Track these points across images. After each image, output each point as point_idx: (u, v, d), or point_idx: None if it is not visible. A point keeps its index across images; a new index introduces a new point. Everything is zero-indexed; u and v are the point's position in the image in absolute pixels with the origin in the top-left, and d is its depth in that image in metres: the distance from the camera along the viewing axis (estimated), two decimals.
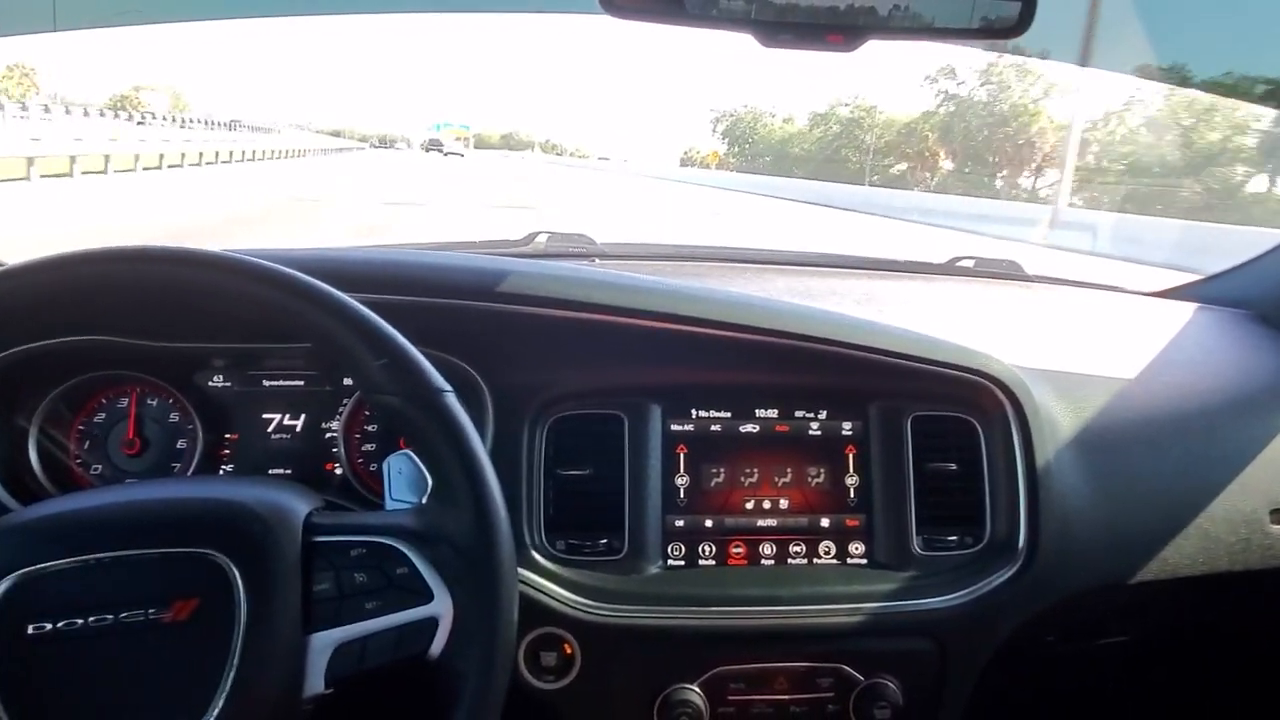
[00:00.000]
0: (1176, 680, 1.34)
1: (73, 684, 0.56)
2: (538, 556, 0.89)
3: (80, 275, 0.63)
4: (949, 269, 1.65)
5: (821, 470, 0.97)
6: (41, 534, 0.60)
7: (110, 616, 0.57)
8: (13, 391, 0.89)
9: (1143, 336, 1.23)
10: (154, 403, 0.95)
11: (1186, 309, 1.36)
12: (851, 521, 0.96)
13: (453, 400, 0.65)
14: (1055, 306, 1.42)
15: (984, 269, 1.62)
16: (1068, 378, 1.05)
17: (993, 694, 1.00)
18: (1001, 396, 0.96)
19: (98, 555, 0.58)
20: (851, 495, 0.97)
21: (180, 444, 0.95)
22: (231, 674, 0.57)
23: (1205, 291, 1.46)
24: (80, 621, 0.57)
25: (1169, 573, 1.00)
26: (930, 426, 0.98)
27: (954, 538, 0.96)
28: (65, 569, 0.58)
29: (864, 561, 0.96)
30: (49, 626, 0.56)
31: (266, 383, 0.97)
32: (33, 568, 0.57)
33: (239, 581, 0.59)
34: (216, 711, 0.56)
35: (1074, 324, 1.28)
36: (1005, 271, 1.61)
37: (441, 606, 0.62)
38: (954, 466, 0.97)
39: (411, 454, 0.70)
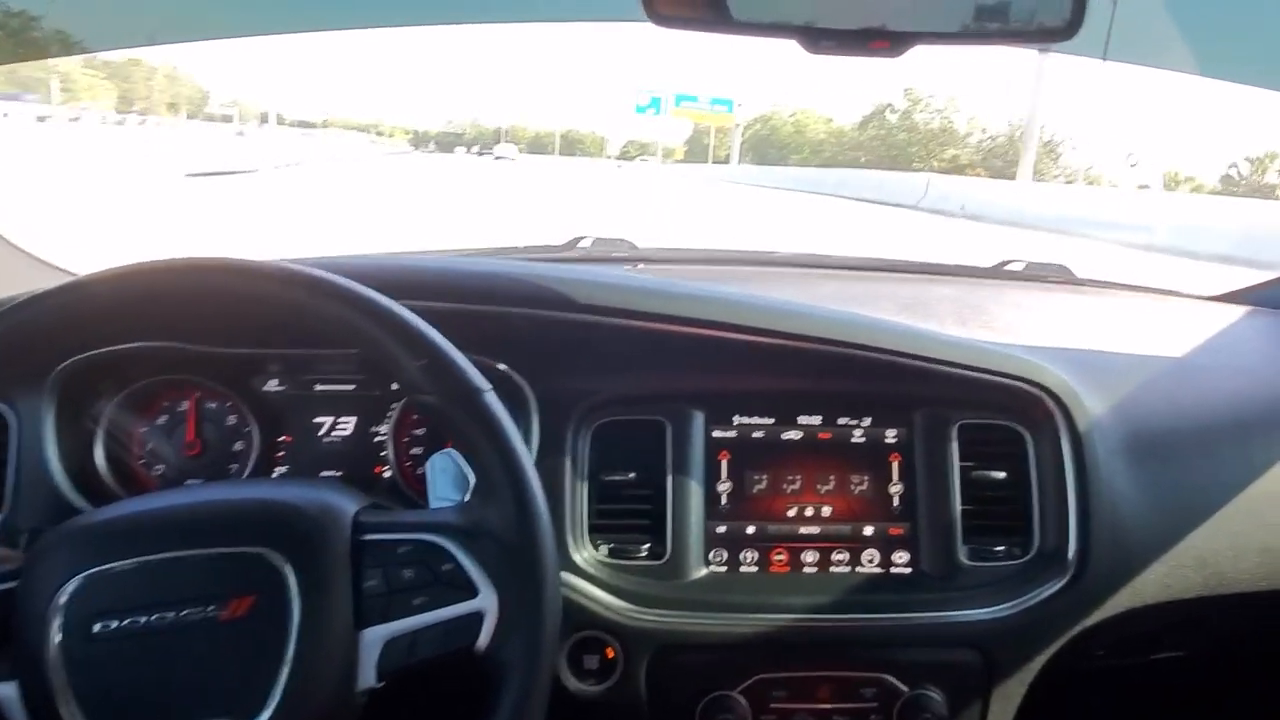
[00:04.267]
0: (1233, 699, 1.30)
1: (136, 678, 0.59)
2: (581, 560, 0.90)
3: (142, 285, 0.66)
4: (997, 273, 1.62)
5: (865, 478, 0.96)
6: (106, 536, 0.63)
7: (171, 614, 0.59)
8: (81, 395, 0.92)
9: (1200, 342, 1.19)
10: (213, 406, 0.98)
11: (1246, 313, 1.32)
12: (895, 530, 0.95)
13: (492, 398, 0.66)
14: (1107, 311, 1.39)
15: (1033, 272, 1.59)
16: (1120, 385, 1.03)
17: (1041, 708, 0.98)
18: (1051, 405, 0.94)
19: (158, 555, 0.61)
20: (896, 503, 0.96)
21: (237, 446, 0.98)
22: (287, 668, 0.59)
23: (1267, 295, 1.41)
24: (143, 619, 0.59)
25: (1227, 588, 0.97)
26: (977, 434, 0.96)
27: (1001, 548, 0.95)
28: (128, 569, 0.60)
29: (908, 570, 0.95)
30: (114, 624, 0.59)
31: (319, 387, 0.99)
32: (98, 568, 0.60)
33: (292, 579, 0.60)
34: (274, 705, 0.58)
35: (1127, 329, 1.25)
36: (1055, 275, 1.58)
37: (487, 601, 0.63)
38: (1001, 475, 0.95)
39: (453, 453, 0.72)
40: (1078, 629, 0.93)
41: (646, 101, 56.61)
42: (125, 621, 0.59)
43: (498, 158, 60.47)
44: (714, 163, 64.03)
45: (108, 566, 0.60)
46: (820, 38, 0.75)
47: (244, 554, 0.61)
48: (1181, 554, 0.95)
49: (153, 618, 0.59)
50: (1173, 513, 0.96)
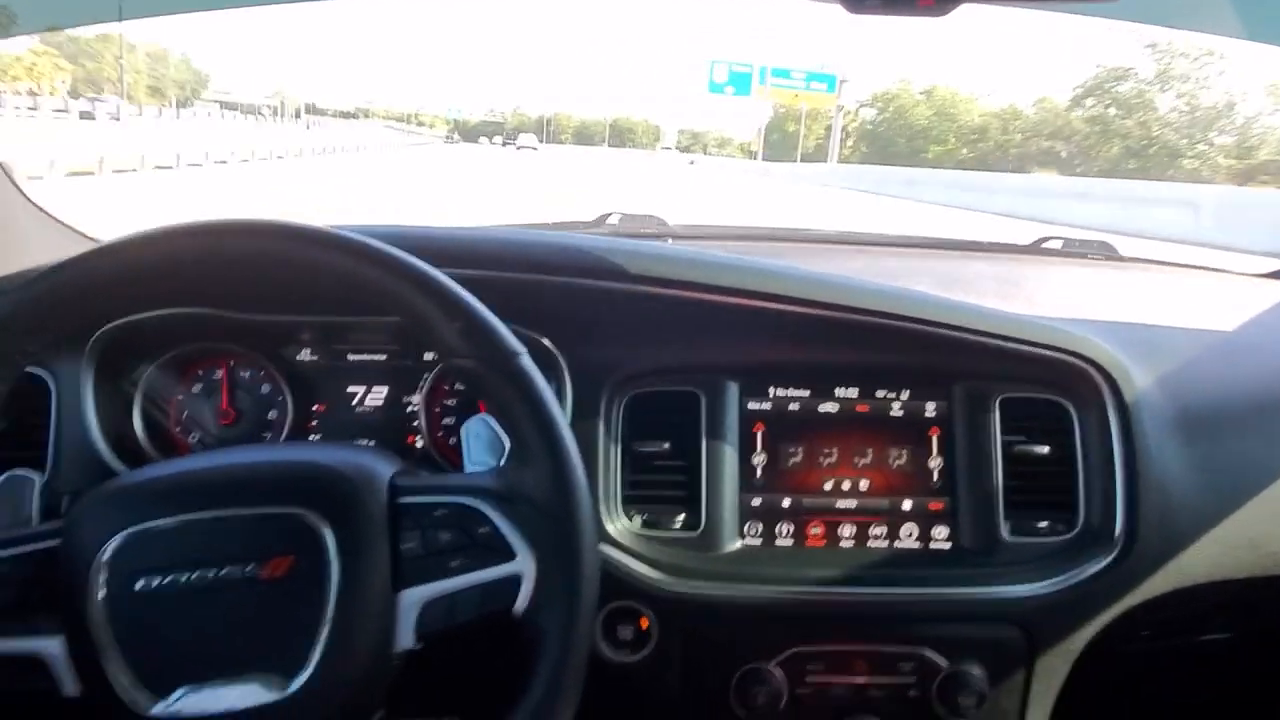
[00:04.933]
0: None
1: (178, 635, 0.59)
2: (615, 531, 0.90)
3: (176, 248, 0.65)
4: (1035, 249, 1.59)
5: (903, 452, 0.95)
6: (147, 495, 0.63)
7: (211, 572, 0.59)
8: (119, 361, 0.93)
9: (1251, 319, 1.16)
10: (246, 374, 0.99)
11: None
12: (935, 505, 0.94)
13: (528, 362, 0.66)
14: (1153, 288, 1.36)
15: (1072, 249, 1.56)
16: (1169, 361, 1.00)
17: (1085, 687, 0.97)
18: (1099, 379, 0.92)
19: (198, 514, 0.61)
20: (935, 478, 0.94)
21: (271, 414, 0.99)
22: (326, 628, 0.59)
23: None
24: (184, 577, 0.59)
25: (1279, 569, 0.94)
26: (1019, 409, 0.94)
27: (1045, 524, 0.93)
28: (169, 527, 0.60)
29: (948, 546, 0.93)
30: (156, 581, 0.59)
31: (351, 356, 0.99)
32: (139, 526, 0.60)
33: (330, 540, 0.60)
34: (313, 664, 0.58)
35: (1174, 306, 1.22)
36: (1096, 253, 1.54)
37: (524, 564, 0.63)
38: (1045, 450, 0.93)
39: (488, 418, 0.72)
40: (1123, 608, 0.91)
41: (725, 77, 40.97)
42: (167, 579, 0.59)
43: (519, 148, 58.66)
44: (802, 159, 51.07)
45: (150, 524, 0.60)
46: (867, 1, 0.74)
47: (283, 514, 0.61)
48: (1233, 534, 0.93)
49: (194, 575, 0.59)
50: (1224, 491, 0.93)
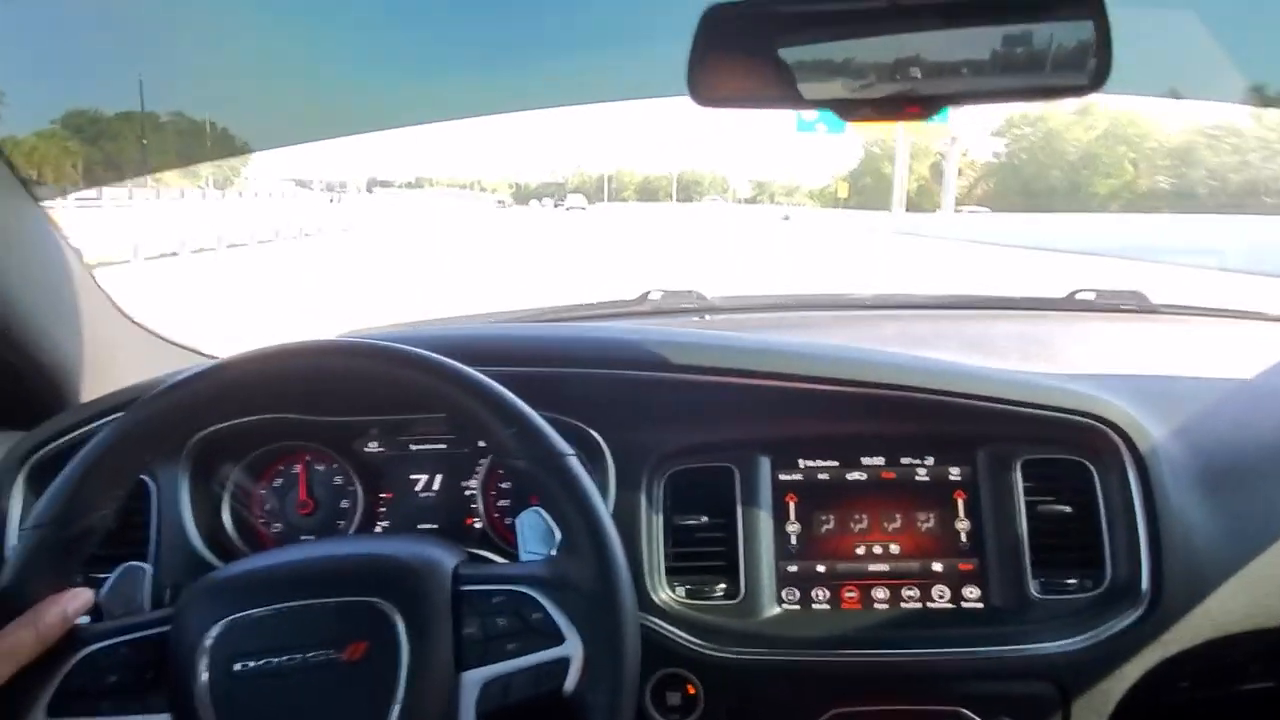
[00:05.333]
0: None
1: (270, 712, 0.66)
2: (660, 601, 0.95)
3: (270, 367, 0.76)
4: (1068, 304, 1.62)
5: (931, 515, 0.99)
6: (244, 587, 0.72)
7: (300, 656, 0.67)
8: (210, 462, 1.04)
9: (1276, 365, 1.18)
10: (321, 468, 1.09)
11: None
12: (965, 566, 0.98)
13: (575, 462, 0.73)
14: (1179, 337, 1.38)
15: (1105, 302, 1.58)
16: (1188, 412, 1.03)
17: None
18: (1115, 438, 0.95)
19: (287, 604, 0.69)
20: (963, 539, 0.98)
21: (344, 504, 1.08)
22: (397, 707, 0.65)
23: None
24: (276, 660, 0.67)
25: None
26: (1042, 469, 0.98)
27: (1073, 581, 0.95)
28: (265, 615, 0.69)
29: (979, 605, 0.97)
30: (252, 664, 0.67)
31: (413, 447, 1.09)
32: (237, 614, 0.68)
33: (401, 625, 0.67)
34: None
35: (1198, 355, 1.24)
36: (1129, 304, 1.57)
37: (573, 647, 0.69)
38: (1068, 509, 0.96)
39: (540, 510, 0.79)
40: (1157, 660, 0.93)
41: (816, 114, 34.03)
42: (261, 661, 0.67)
43: (568, 209, 58.37)
44: (903, 206, 38.11)
45: (247, 613, 0.68)
46: (855, 108, 0.82)
47: (359, 603, 0.69)
48: (1264, 581, 0.94)
49: (284, 659, 0.67)
50: (1251, 539, 0.95)
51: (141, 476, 1.01)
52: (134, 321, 1.35)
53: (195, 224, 15.91)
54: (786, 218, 44.60)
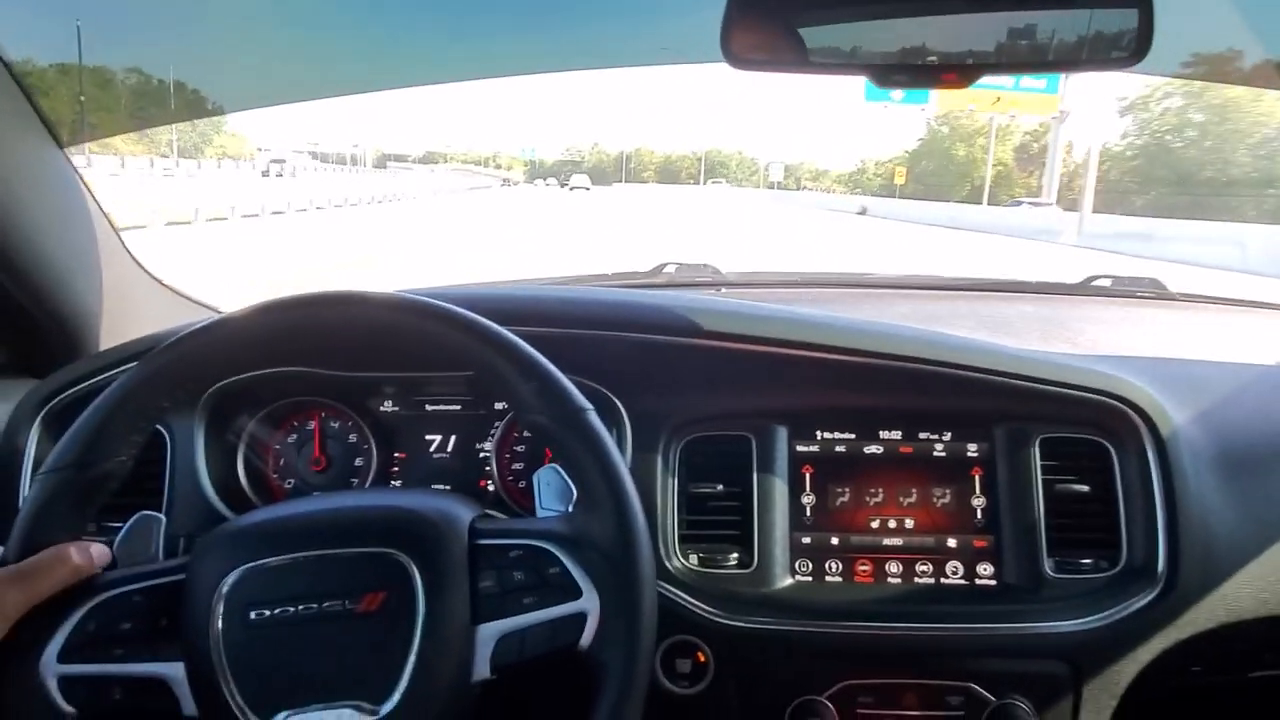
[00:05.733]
0: None
1: (284, 662, 0.66)
2: (673, 568, 0.96)
3: (284, 319, 0.75)
4: (1084, 289, 1.62)
5: (947, 491, 0.99)
6: (261, 536, 0.71)
7: (315, 605, 0.67)
8: (225, 415, 1.04)
9: None
10: (335, 425, 1.09)
11: None
12: (979, 542, 0.98)
13: (594, 418, 0.73)
14: (1199, 325, 1.37)
15: (1122, 288, 1.58)
16: (1209, 398, 1.03)
17: None
18: (1136, 419, 0.95)
19: (304, 554, 0.69)
20: (979, 516, 0.98)
21: (358, 461, 1.08)
22: (413, 658, 0.65)
23: None
24: (292, 609, 0.67)
25: None
26: (1060, 449, 0.97)
27: (1088, 560, 0.95)
28: (279, 565, 0.68)
29: (993, 582, 0.97)
30: (267, 613, 0.67)
31: (429, 407, 1.08)
32: (254, 563, 0.68)
33: (418, 577, 0.67)
34: (401, 690, 0.65)
35: (1218, 342, 1.24)
36: (1146, 290, 1.56)
37: (589, 603, 0.68)
38: (1085, 489, 0.96)
39: (557, 467, 0.79)
40: (1170, 643, 0.93)
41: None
42: (277, 610, 0.67)
43: (571, 189, 57.09)
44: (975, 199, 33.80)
45: (263, 561, 0.68)
46: (891, 73, 0.80)
47: (377, 554, 0.68)
48: (1278, 569, 0.94)
49: (300, 608, 0.67)
50: (1268, 526, 0.95)
51: (157, 426, 1.01)
52: (153, 277, 1.34)
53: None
54: (863, 211, 35.59)
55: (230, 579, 0.67)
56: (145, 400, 0.72)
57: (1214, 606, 0.93)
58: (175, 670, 0.67)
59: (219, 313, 1.32)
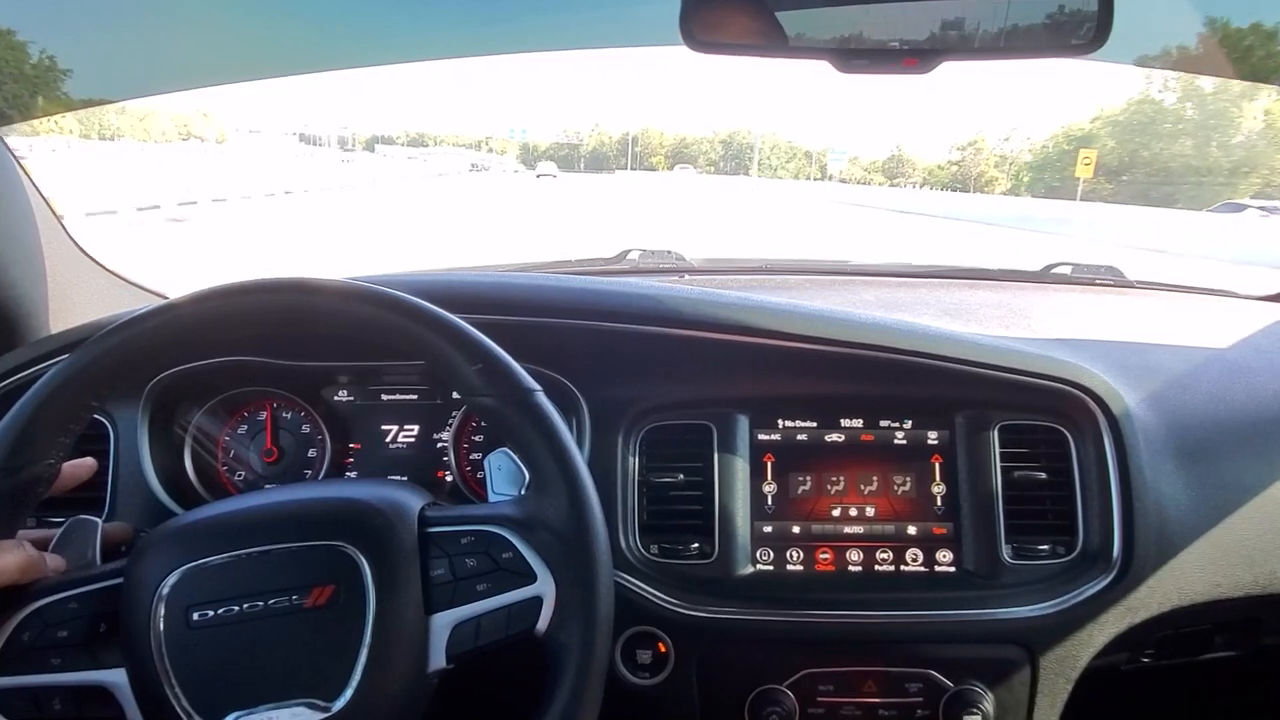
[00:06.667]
0: None
1: (231, 662, 0.64)
2: (633, 558, 0.95)
3: (229, 305, 0.72)
4: (1044, 276, 1.63)
5: (908, 479, 0.99)
6: (202, 533, 0.69)
7: (261, 603, 0.65)
8: (171, 406, 1.01)
9: (1248, 341, 1.19)
10: (288, 416, 1.06)
11: None
12: (939, 530, 0.98)
13: (543, 399, 0.71)
14: (1156, 312, 1.39)
15: (1081, 275, 1.59)
16: (1165, 384, 1.04)
17: (1090, 707, 0.99)
18: (1092, 406, 0.96)
19: (249, 550, 0.67)
20: (938, 503, 0.98)
21: (311, 453, 1.05)
22: (365, 651, 0.64)
23: None
24: (236, 608, 0.65)
25: (1278, 587, 0.97)
26: (1018, 435, 0.98)
27: (1045, 547, 0.96)
28: (223, 562, 0.66)
29: (952, 569, 0.97)
30: (211, 613, 0.65)
31: (384, 397, 1.06)
32: (195, 562, 0.66)
33: (367, 569, 0.66)
34: (354, 685, 0.63)
35: (1174, 330, 1.25)
36: (1104, 278, 1.58)
37: (545, 586, 0.68)
38: (1043, 475, 0.97)
39: (508, 451, 0.77)
40: (1124, 627, 0.94)
41: None
42: (221, 610, 0.65)
43: (539, 176, 54.62)
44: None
45: (205, 560, 0.66)
46: (852, 58, 0.79)
47: (324, 547, 0.67)
48: (1230, 552, 0.96)
49: (245, 606, 0.65)
50: (1221, 511, 0.96)
51: (100, 419, 0.98)
52: (97, 263, 1.30)
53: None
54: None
55: (170, 580, 0.65)
56: (75, 396, 0.69)
57: (1167, 590, 0.94)
58: (117, 677, 0.65)
59: (165, 299, 1.29)
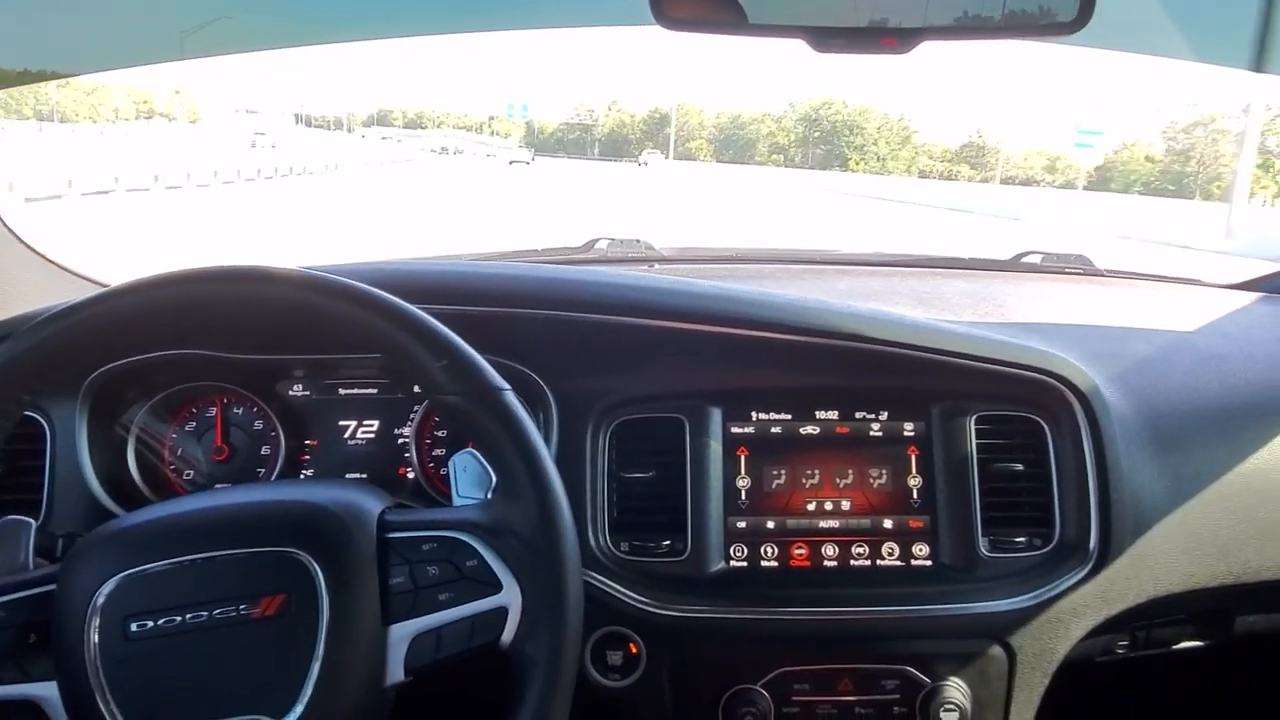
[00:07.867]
0: (1260, 690, 1.29)
1: (172, 676, 0.60)
2: (603, 557, 0.92)
3: (170, 295, 0.67)
4: (1015, 265, 1.62)
5: (884, 471, 0.97)
6: (141, 538, 0.65)
7: (205, 613, 0.61)
8: (112, 403, 0.95)
9: (1220, 330, 1.19)
10: (239, 411, 1.01)
11: (1266, 300, 1.31)
12: (915, 523, 0.96)
13: (511, 397, 0.68)
14: (1127, 302, 1.39)
15: (1051, 264, 1.59)
16: (1139, 375, 1.03)
17: (1065, 700, 0.99)
18: (1070, 396, 0.94)
19: (191, 556, 0.62)
20: (915, 496, 0.96)
21: (264, 450, 1.00)
22: (318, 664, 0.60)
23: None
24: (178, 618, 0.61)
25: (1251, 576, 0.97)
26: (995, 427, 0.96)
27: (1022, 539, 0.95)
28: (164, 569, 0.62)
29: (929, 563, 0.95)
30: (150, 624, 0.60)
31: (342, 391, 1.01)
32: (133, 570, 0.62)
33: (321, 577, 0.62)
34: (305, 700, 0.60)
35: (1146, 319, 1.25)
36: (1074, 267, 1.57)
37: (510, 596, 0.65)
38: (1020, 467, 0.95)
39: (474, 452, 0.73)
40: (1100, 619, 0.93)
41: None
42: (161, 620, 0.60)
43: (511, 162, 53.23)
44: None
45: (144, 567, 0.62)
46: (829, 37, 0.77)
47: (274, 554, 0.63)
48: (1205, 542, 0.95)
49: (187, 617, 0.61)
50: (1195, 500, 0.96)
51: (33, 415, 0.92)
52: (32, 249, 1.23)
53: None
54: None
55: (106, 588, 0.61)
56: (4, 392, 0.64)
57: (1143, 581, 0.94)
58: (48, 691, 0.61)
59: (104, 287, 1.23)
